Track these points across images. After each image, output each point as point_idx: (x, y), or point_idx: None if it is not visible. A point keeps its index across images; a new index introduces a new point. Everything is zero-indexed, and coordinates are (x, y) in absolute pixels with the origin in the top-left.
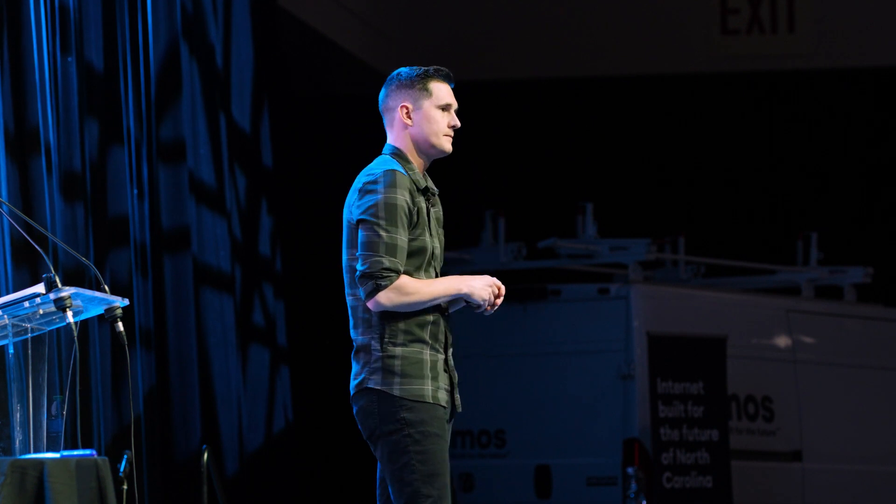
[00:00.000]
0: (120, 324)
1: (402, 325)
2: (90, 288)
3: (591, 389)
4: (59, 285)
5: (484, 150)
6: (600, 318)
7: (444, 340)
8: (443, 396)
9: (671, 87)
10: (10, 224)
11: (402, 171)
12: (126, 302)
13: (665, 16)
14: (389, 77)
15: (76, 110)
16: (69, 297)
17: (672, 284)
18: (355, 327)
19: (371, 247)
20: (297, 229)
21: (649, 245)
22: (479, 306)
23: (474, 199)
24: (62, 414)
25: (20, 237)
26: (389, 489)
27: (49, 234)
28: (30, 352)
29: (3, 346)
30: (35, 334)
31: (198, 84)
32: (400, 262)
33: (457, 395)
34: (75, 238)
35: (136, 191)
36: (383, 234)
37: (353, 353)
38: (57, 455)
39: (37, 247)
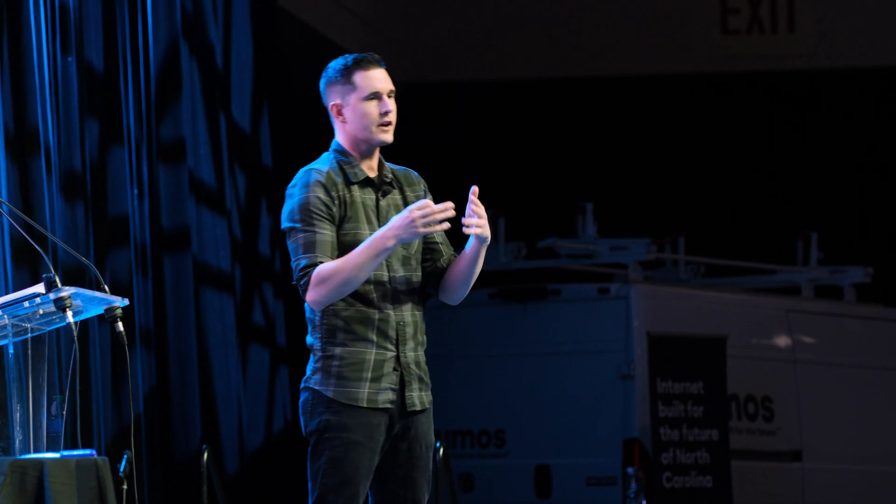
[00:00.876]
0: (120, 324)
1: (342, 324)
2: (90, 288)
3: (591, 389)
4: (59, 285)
5: (483, 150)
6: (600, 318)
7: (395, 336)
8: (385, 397)
9: (671, 87)
10: (10, 224)
11: (322, 166)
12: (126, 302)
13: (665, 16)
14: (322, 72)
15: (76, 110)
16: (69, 297)
17: (672, 284)
18: (308, 328)
19: (293, 252)
20: None
21: (649, 245)
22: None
23: None
24: (62, 414)
25: (20, 237)
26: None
27: (49, 234)
28: (30, 352)
29: (3, 346)
30: (35, 334)
31: (198, 84)
32: (319, 255)
33: (410, 394)
34: (75, 238)
35: (136, 191)
36: (300, 235)
37: None
38: (57, 455)
39: (37, 247)
